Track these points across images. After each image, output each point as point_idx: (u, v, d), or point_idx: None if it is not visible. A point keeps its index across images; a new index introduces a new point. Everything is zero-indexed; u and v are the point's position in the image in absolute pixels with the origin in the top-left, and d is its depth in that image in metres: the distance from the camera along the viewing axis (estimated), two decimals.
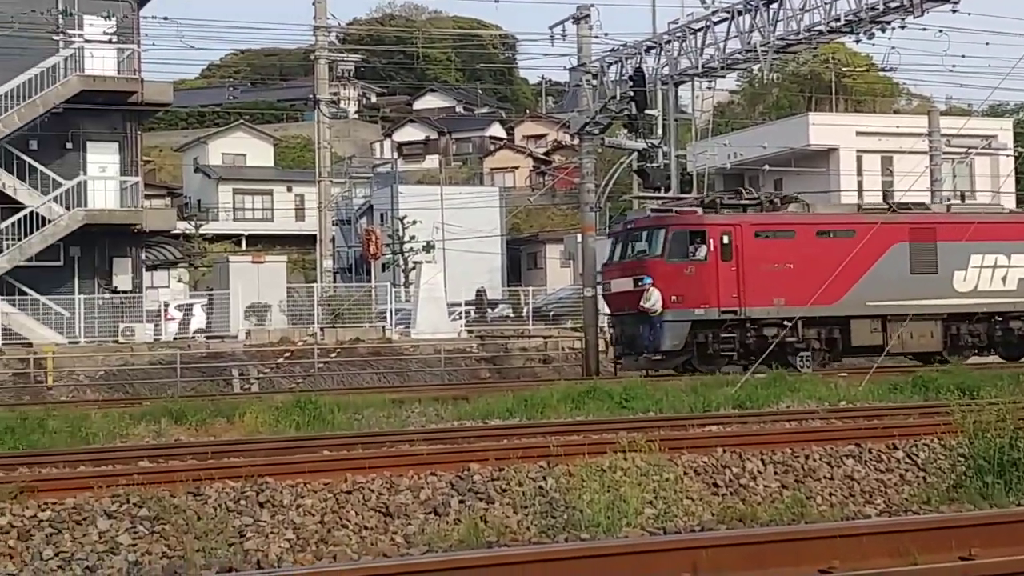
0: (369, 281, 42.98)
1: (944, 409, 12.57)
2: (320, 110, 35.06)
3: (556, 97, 68.99)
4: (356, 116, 78.28)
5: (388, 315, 35.03)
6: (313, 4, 35.53)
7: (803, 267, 25.70)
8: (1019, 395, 13.91)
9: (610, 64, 30.49)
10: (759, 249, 25.80)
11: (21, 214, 32.63)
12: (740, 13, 26.92)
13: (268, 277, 34.51)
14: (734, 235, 25.64)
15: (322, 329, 32.43)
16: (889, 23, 25.21)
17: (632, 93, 28.01)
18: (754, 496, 10.69)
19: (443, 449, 11.55)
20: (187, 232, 50.06)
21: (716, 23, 27.64)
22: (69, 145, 34.47)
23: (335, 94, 38.97)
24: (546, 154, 74.22)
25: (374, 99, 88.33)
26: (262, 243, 59.07)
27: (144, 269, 38.47)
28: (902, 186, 34.19)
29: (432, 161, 73.40)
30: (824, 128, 43.84)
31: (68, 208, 33.27)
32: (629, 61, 29.65)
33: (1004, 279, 27.69)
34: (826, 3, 25.34)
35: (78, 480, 9.97)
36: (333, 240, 38.03)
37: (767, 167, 42.81)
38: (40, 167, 33.67)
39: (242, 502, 9.63)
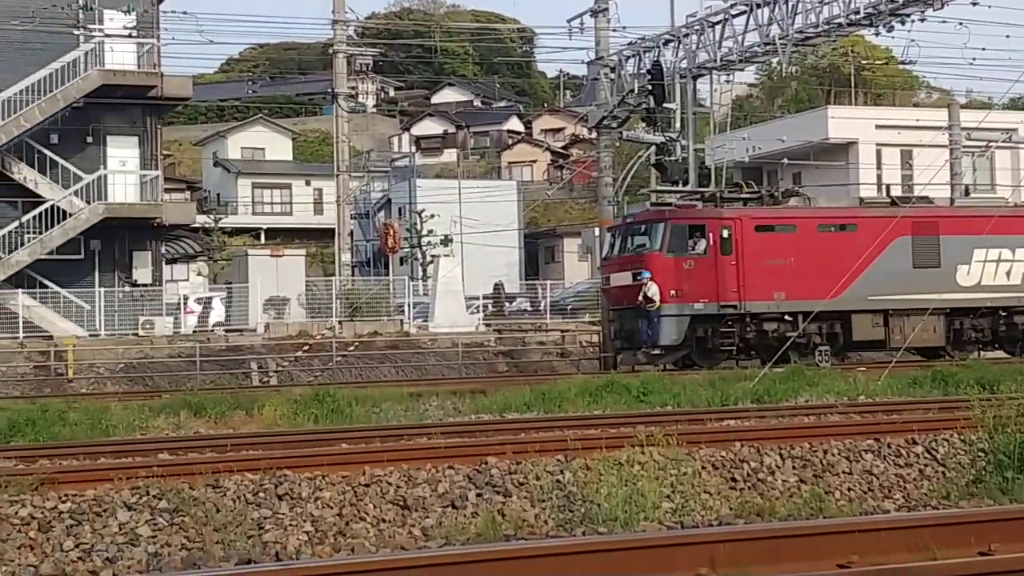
0: (387, 275, 43.05)
1: (964, 404, 12.53)
2: (338, 104, 35.06)
3: (574, 91, 68.95)
4: (374, 110, 78.40)
5: (406, 309, 35.05)
6: None
7: (804, 261, 25.57)
8: None
9: (628, 57, 30.45)
10: (759, 243, 25.67)
11: (42, 208, 32.84)
12: (759, 6, 26.84)
13: (287, 271, 34.54)
14: (734, 229, 25.53)
15: (340, 322, 32.46)
16: (909, 15, 25.13)
17: (650, 87, 27.98)
18: (772, 491, 10.65)
19: (461, 442, 11.57)
20: (206, 226, 50.25)
21: (734, 16, 27.58)
22: (89, 139, 34.61)
23: (353, 88, 39.07)
24: (564, 148, 74.09)
25: (392, 93, 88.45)
26: (281, 237, 59.30)
27: (164, 262, 38.65)
28: (922, 180, 34.00)
29: (450, 155, 73.47)
30: (843, 122, 43.66)
31: (88, 202, 33.42)
32: (647, 54, 29.62)
33: (1008, 273, 27.49)
34: None
35: (98, 472, 10.01)
36: (351, 234, 38.00)
37: (786, 161, 42.64)
38: (61, 161, 33.83)
39: (261, 494, 9.67)
